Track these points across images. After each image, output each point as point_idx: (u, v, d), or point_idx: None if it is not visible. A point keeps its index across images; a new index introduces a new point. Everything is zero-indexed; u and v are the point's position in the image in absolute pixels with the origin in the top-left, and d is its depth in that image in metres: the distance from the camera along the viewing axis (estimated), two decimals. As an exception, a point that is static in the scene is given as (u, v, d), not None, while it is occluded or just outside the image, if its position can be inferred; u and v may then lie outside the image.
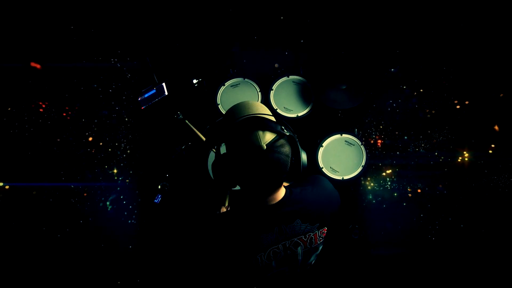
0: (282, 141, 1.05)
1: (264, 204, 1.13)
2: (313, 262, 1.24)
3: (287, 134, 1.08)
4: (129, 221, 2.26)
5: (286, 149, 1.05)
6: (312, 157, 2.02)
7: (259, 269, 1.15)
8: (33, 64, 2.01)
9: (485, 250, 2.05)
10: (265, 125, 1.04)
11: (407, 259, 2.10)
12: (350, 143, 2.02)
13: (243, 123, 1.06)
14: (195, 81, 2.19)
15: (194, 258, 1.21)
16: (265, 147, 1.01)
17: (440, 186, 2.14)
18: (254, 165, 1.02)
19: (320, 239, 1.20)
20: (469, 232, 2.09)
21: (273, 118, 1.12)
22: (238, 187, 1.20)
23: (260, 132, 1.03)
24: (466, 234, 2.08)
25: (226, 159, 1.10)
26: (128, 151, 2.32)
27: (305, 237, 1.17)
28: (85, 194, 2.29)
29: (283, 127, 1.09)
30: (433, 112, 2.19)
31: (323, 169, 1.98)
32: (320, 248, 1.23)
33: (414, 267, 2.08)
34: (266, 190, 1.11)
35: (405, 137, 2.19)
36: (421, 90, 2.20)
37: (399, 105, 2.23)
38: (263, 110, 1.14)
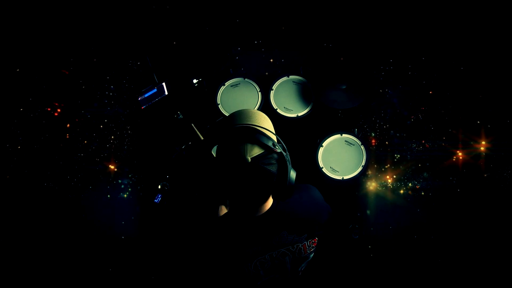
0: (270, 157, 1.00)
1: (250, 215, 1.12)
2: (304, 268, 1.24)
3: (278, 151, 1.03)
4: (129, 221, 2.27)
5: (272, 167, 1.00)
6: (312, 157, 2.02)
7: (248, 278, 1.14)
8: (63, 70, 2.09)
9: (487, 247, 2.06)
10: (255, 138, 1.00)
11: (407, 259, 2.10)
12: (350, 143, 2.02)
13: (234, 132, 1.02)
14: (195, 81, 2.19)
15: (186, 263, 1.20)
16: (249, 160, 0.97)
17: (439, 182, 2.14)
18: (235, 177, 0.99)
19: (311, 249, 1.19)
20: (471, 229, 2.09)
21: (270, 133, 1.08)
22: None
23: (249, 145, 0.99)
24: (468, 232, 2.08)
25: (212, 166, 1.06)
26: (131, 149, 2.33)
27: (292, 248, 1.15)
28: (87, 192, 2.30)
29: (275, 144, 1.04)
30: (424, 109, 2.21)
31: (323, 169, 1.98)
32: (312, 256, 1.22)
33: (415, 267, 2.08)
34: (249, 203, 1.08)
35: (396, 134, 2.20)
36: (405, 89, 2.23)
37: (393, 105, 2.25)
38: (263, 122, 1.11)
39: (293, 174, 1.06)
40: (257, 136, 1.01)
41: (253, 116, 1.12)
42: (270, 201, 1.14)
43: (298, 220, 1.15)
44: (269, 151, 1.01)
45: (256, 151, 0.99)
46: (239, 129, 1.04)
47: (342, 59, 2.11)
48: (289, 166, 1.04)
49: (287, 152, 1.07)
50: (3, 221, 2.24)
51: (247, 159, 0.97)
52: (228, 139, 1.02)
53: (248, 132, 1.01)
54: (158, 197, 2.05)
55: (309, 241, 1.18)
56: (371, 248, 2.11)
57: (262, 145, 1.01)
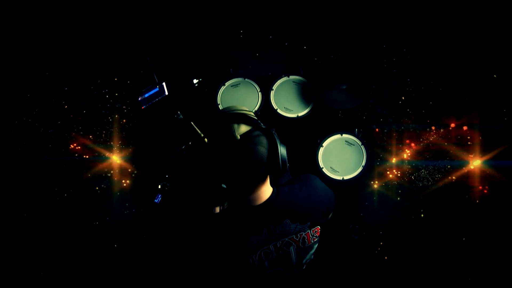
0: (257, 132, 1.06)
1: (250, 204, 1.12)
2: (309, 261, 1.24)
3: (263, 127, 1.10)
4: (129, 220, 2.26)
5: (262, 140, 1.06)
6: (313, 157, 2.02)
7: (253, 270, 1.14)
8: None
9: (489, 249, 2.06)
10: (240, 118, 1.08)
11: (407, 258, 2.10)
12: (350, 143, 2.02)
13: (219, 119, 1.11)
14: (195, 81, 2.19)
15: (189, 258, 1.21)
16: (238, 137, 1.03)
17: (441, 183, 2.15)
18: (228, 155, 1.03)
19: (314, 238, 1.19)
20: (471, 230, 2.09)
21: (251, 114, 1.16)
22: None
23: (235, 125, 1.06)
24: (467, 233, 2.09)
25: (205, 154, 1.12)
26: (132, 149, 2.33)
27: (296, 237, 1.16)
28: (87, 191, 2.29)
29: (259, 121, 1.12)
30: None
31: (323, 169, 1.98)
32: (316, 246, 1.22)
33: (415, 266, 2.08)
34: (246, 184, 1.09)
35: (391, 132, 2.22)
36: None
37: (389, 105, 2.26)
38: (242, 108, 1.19)
39: (283, 148, 1.10)
40: (240, 116, 1.09)
41: (234, 107, 1.20)
42: (269, 190, 1.15)
43: (300, 207, 1.15)
44: (255, 127, 1.08)
45: (243, 129, 1.06)
46: (222, 115, 1.13)
47: (339, 55, 2.10)
48: (278, 140, 1.09)
49: (273, 128, 1.12)
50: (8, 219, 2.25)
51: (236, 136, 1.03)
52: (214, 126, 1.11)
53: (231, 116, 1.10)
54: (158, 197, 2.04)
55: (312, 230, 1.18)
56: (371, 248, 2.11)
57: (248, 123, 1.08)
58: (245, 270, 1.13)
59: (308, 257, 1.21)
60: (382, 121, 2.25)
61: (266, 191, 1.14)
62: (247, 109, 1.19)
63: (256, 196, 1.12)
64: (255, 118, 1.13)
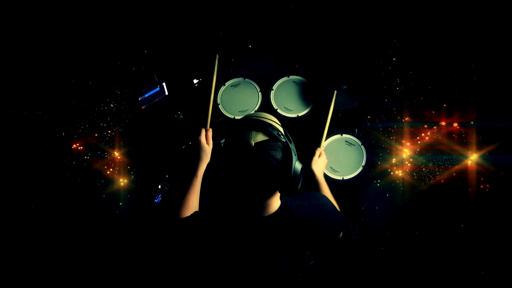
0: (273, 144, 1.02)
1: (256, 214, 1.11)
2: (301, 274, 1.23)
3: (283, 140, 1.05)
4: (127, 220, 2.27)
5: (276, 153, 1.01)
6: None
7: (243, 276, 1.14)
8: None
9: (489, 248, 2.06)
10: (259, 126, 1.04)
11: (408, 258, 2.10)
12: (350, 143, 2.02)
13: (240, 123, 1.08)
14: (195, 81, 2.19)
15: (184, 259, 1.21)
16: (253, 144, 1.00)
17: (442, 181, 2.14)
18: (238, 161, 1.01)
19: (311, 257, 1.19)
20: (472, 230, 2.09)
21: (276, 124, 1.10)
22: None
23: (253, 132, 1.03)
24: (467, 233, 2.08)
25: (218, 156, 1.11)
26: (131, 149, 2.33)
27: (292, 253, 1.15)
28: (88, 192, 2.30)
29: (280, 134, 1.06)
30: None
31: (323, 169, 1.98)
32: (310, 263, 1.21)
33: (415, 267, 2.08)
34: (249, 193, 1.07)
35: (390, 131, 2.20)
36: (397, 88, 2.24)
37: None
38: (270, 117, 1.15)
39: (298, 166, 1.04)
40: (261, 124, 1.05)
41: (260, 113, 1.17)
42: (277, 203, 1.13)
43: (302, 226, 1.13)
44: (273, 139, 1.04)
45: (261, 137, 1.02)
46: (245, 120, 1.09)
47: (351, 64, 2.11)
48: (294, 156, 1.04)
49: (292, 143, 1.08)
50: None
51: (250, 143, 1.00)
52: (234, 128, 1.08)
53: (253, 122, 1.06)
54: (158, 197, 2.05)
55: (310, 250, 1.17)
56: (372, 248, 2.11)
57: (267, 133, 1.04)
58: (237, 276, 1.13)
59: (301, 272, 1.21)
60: (377, 121, 2.25)
61: (273, 204, 1.11)
62: (275, 119, 1.15)
63: (262, 207, 1.10)
64: (278, 129, 1.08)
